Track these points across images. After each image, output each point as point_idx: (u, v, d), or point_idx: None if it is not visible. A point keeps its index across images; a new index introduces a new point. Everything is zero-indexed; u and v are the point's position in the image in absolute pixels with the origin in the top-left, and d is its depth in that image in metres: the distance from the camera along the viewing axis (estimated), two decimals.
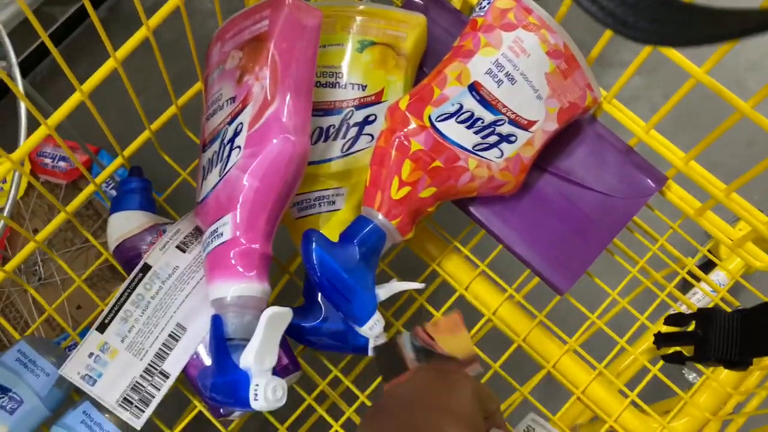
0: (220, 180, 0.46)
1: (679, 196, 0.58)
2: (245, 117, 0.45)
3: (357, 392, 0.54)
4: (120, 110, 0.74)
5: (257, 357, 0.40)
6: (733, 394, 0.55)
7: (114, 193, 0.98)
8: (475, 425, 0.37)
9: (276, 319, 0.41)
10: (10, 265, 0.52)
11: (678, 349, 0.53)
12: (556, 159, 0.56)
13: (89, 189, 0.55)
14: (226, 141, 0.46)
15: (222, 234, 0.45)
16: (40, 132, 0.43)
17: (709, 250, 0.64)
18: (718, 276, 0.94)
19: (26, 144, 0.43)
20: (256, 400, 0.39)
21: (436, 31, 0.60)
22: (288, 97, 0.45)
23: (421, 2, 0.61)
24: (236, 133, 0.45)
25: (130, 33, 0.46)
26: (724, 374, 0.56)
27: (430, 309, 0.57)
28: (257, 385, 0.40)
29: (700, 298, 0.97)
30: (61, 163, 0.98)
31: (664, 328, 0.55)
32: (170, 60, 0.48)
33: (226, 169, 0.45)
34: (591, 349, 0.58)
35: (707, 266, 1.01)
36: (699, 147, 0.53)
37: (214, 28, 0.52)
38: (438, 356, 0.50)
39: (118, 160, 0.53)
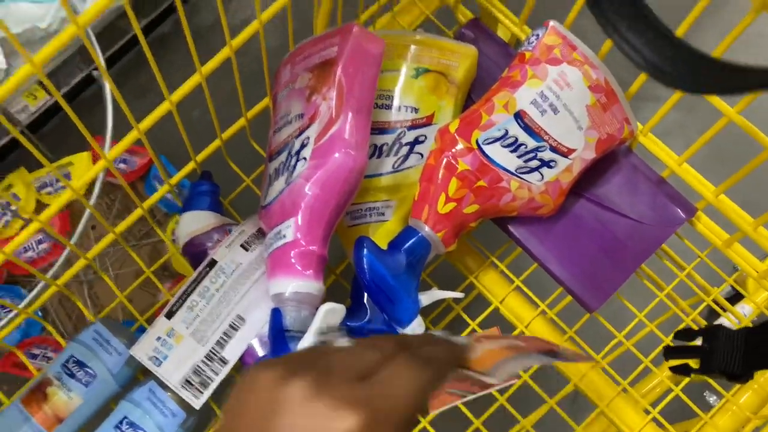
0: (286, 187, 0.50)
1: (708, 227, 0.61)
2: (312, 132, 0.50)
3: None
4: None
5: (315, 339, 0.45)
6: (752, 418, 0.58)
7: (168, 196, 1.05)
8: None
9: (331, 313, 0.45)
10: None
11: (685, 361, 0.56)
12: (592, 185, 0.60)
13: (164, 189, 0.60)
14: (293, 152, 0.51)
15: (285, 235, 0.50)
16: (132, 136, 0.49)
17: (735, 281, 0.66)
18: (744, 308, 0.96)
19: (119, 145, 0.49)
20: None
21: (484, 61, 0.64)
22: (350, 116, 0.50)
23: (472, 35, 0.66)
24: (303, 146, 0.50)
25: (203, 46, 0.51)
26: (744, 398, 0.58)
27: (466, 318, 0.61)
28: None
29: None
30: (121, 165, 1.05)
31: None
32: (229, 75, 0.53)
33: (292, 178, 0.50)
34: (617, 368, 0.62)
35: (735, 299, 1.02)
36: (729, 181, 0.56)
37: (274, 48, 0.57)
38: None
39: (191, 165, 0.58)
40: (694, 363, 0.55)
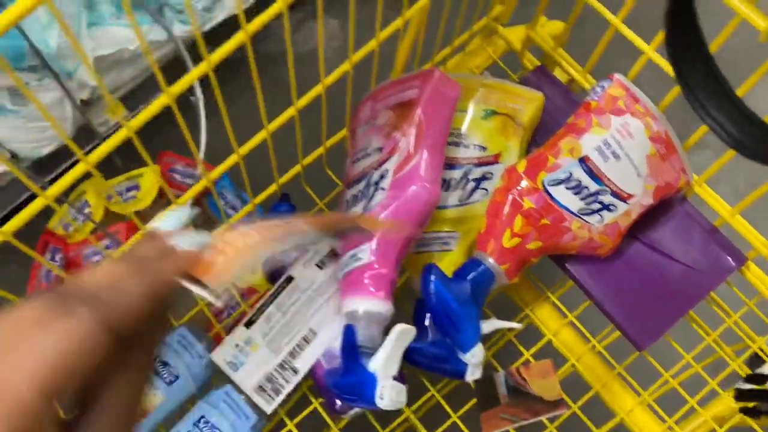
0: (364, 213, 0.55)
1: (758, 276, 0.63)
2: (391, 165, 0.55)
3: (450, 411, 0.62)
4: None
5: (385, 363, 0.48)
6: None
7: (231, 212, 1.10)
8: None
9: (404, 334, 0.49)
10: None
11: (755, 404, 0.59)
12: (647, 230, 0.63)
13: (247, 208, 0.65)
14: (372, 182, 0.55)
15: (360, 258, 0.54)
16: (231, 159, 0.53)
17: None
18: None
19: (221, 167, 0.53)
20: (382, 399, 0.47)
21: (548, 105, 0.68)
22: (427, 153, 0.54)
23: (538, 80, 0.70)
24: (382, 177, 0.55)
25: (266, 74, 0.56)
26: None
27: (521, 348, 0.64)
28: (383, 386, 0.48)
29: None
30: (188, 180, 1.11)
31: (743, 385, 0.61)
32: (280, 95, 0.57)
33: (370, 206, 0.55)
34: (664, 406, 0.64)
35: None
36: None
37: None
38: (528, 395, 0.58)
39: (273, 186, 0.63)
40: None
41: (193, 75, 0.41)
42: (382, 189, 0.54)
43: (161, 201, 1.13)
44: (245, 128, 0.55)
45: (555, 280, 0.66)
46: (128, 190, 1.11)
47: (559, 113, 0.68)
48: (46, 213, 1.20)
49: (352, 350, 0.51)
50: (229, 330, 0.58)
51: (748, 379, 0.60)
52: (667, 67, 0.61)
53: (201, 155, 0.75)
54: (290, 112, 0.54)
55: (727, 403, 0.66)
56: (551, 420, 0.61)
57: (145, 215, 1.12)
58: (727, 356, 0.64)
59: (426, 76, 0.55)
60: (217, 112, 0.47)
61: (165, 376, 0.56)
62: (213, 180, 0.53)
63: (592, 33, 0.82)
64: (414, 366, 0.61)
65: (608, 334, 0.64)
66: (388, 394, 0.47)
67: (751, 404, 0.59)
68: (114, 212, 1.12)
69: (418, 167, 0.54)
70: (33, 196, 0.43)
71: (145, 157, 0.46)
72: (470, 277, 0.56)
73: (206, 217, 1.11)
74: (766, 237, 0.62)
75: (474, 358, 0.56)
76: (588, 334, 0.64)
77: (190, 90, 0.87)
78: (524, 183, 0.57)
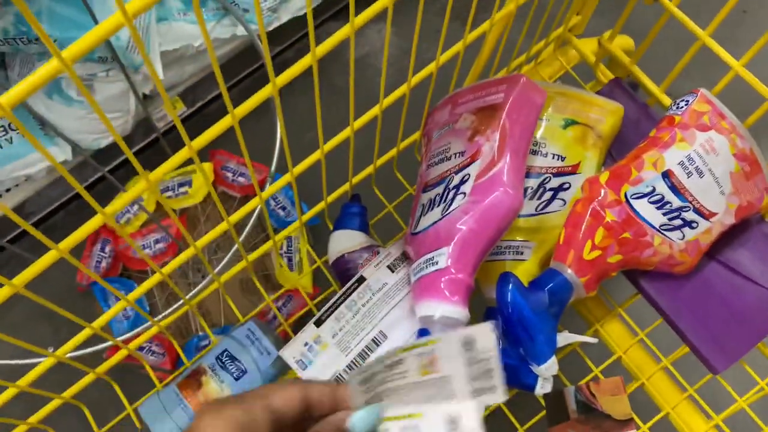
0: (441, 218, 0.54)
1: None
2: (473, 170, 0.54)
3: (516, 424, 0.60)
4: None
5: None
6: None
7: (281, 212, 1.10)
8: None
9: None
10: (201, 242, 0.57)
11: None
12: (725, 250, 0.61)
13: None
14: (451, 186, 0.55)
15: (437, 262, 0.53)
16: (285, 179, 0.53)
17: None
18: None
19: (272, 187, 0.53)
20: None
21: (623, 119, 0.67)
22: (511, 158, 0.53)
23: (613, 92, 0.69)
24: (462, 182, 0.54)
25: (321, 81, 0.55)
26: None
27: (590, 363, 0.63)
28: None
29: None
30: (240, 179, 1.11)
31: None
32: (340, 104, 0.57)
33: (449, 209, 0.54)
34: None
35: None
36: None
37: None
38: (597, 413, 0.56)
39: (346, 186, 0.62)
40: None
41: (257, 98, 0.41)
42: (463, 194, 0.53)
43: (212, 198, 1.14)
44: (297, 131, 0.54)
45: (622, 294, 0.64)
46: (180, 185, 1.12)
47: (635, 127, 0.67)
48: (104, 198, 1.21)
49: None
50: (297, 328, 0.57)
51: None
52: (756, 83, 0.60)
53: (273, 167, 0.75)
54: (346, 133, 0.53)
55: None
56: None
57: (196, 212, 1.12)
58: None
59: (512, 82, 0.55)
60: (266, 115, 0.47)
61: (232, 370, 0.55)
62: (265, 199, 0.52)
63: (660, 48, 0.81)
64: None
65: (679, 354, 0.62)
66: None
67: None
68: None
69: (502, 172, 0.53)
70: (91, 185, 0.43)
71: (196, 162, 0.45)
72: (548, 287, 0.55)
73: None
74: None
75: (547, 371, 0.54)
76: (659, 353, 0.62)
77: None
78: (607, 195, 0.56)
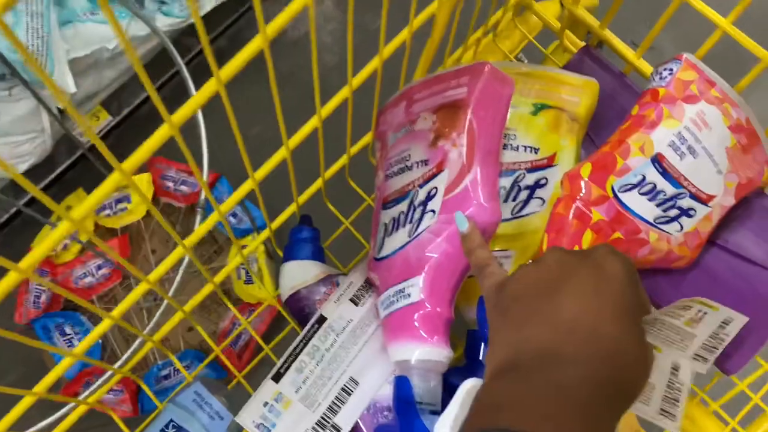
0: (409, 241, 0.46)
1: None
2: (440, 182, 0.46)
3: None
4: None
5: (454, 425, 0.40)
6: None
7: (232, 219, 1.01)
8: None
9: (474, 390, 0.41)
10: (118, 311, 0.50)
11: None
12: (725, 232, 0.55)
13: (213, 218, 0.51)
14: (417, 203, 0.47)
15: (409, 295, 0.45)
16: (246, 186, 0.44)
17: None
18: None
19: (231, 199, 0.44)
20: None
21: (599, 93, 0.59)
22: (482, 165, 0.45)
23: (584, 64, 0.61)
24: (429, 197, 0.46)
25: (261, 72, 0.46)
26: None
27: None
28: None
29: None
30: (183, 187, 1.01)
31: None
32: (288, 90, 0.48)
33: (417, 232, 0.46)
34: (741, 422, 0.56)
35: None
36: None
37: (330, 62, 0.52)
38: None
39: (293, 207, 0.54)
40: None
41: (201, 96, 0.32)
42: (431, 211, 0.45)
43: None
44: (249, 125, 0.45)
45: None
46: (118, 202, 1.01)
47: (613, 102, 0.59)
48: (29, 229, 1.10)
49: (409, 407, 0.43)
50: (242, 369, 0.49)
51: None
52: (746, 42, 0.52)
53: (205, 170, 0.66)
54: (313, 123, 0.45)
55: None
56: None
57: (139, 229, 1.02)
58: None
59: (475, 72, 0.46)
60: (213, 104, 0.37)
61: None
62: (224, 213, 0.44)
63: (631, 6, 0.73)
64: None
65: None
66: None
67: None
68: (104, 227, 1.02)
69: (475, 184, 0.45)
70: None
71: (133, 185, 0.36)
72: None
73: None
74: None
75: None
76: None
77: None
78: (591, 190, 0.49)
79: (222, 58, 1.17)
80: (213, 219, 0.44)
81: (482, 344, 0.50)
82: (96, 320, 1.01)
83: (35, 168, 0.91)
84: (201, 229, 0.44)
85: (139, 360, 0.99)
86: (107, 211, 1.01)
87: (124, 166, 0.33)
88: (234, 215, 1.00)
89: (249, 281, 0.96)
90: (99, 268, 0.98)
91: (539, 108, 0.54)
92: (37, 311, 0.96)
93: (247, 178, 0.43)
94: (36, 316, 0.96)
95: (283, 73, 1.16)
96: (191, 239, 0.44)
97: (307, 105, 0.46)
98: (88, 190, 0.99)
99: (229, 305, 0.56)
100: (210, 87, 0.33)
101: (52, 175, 0.96)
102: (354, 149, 0.56)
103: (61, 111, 0.86)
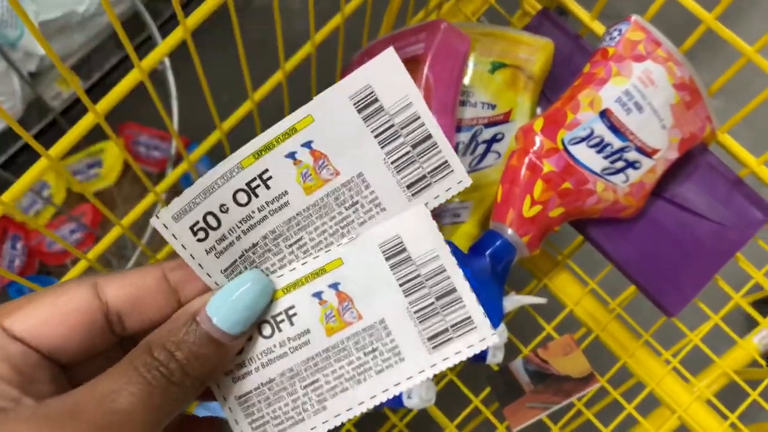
0: None
1: None
2: None
3: (471, 396, 0.57)
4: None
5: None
6: None
7: None
8: None
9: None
10: (94, 252, 0.52)
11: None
12: (671, 185, 0.58)
13: (183, 167, 0.50)
14: None
15: None
16: (214, 136, 0.46)
17: None
18: None
19: (201, 147, 0.46)
20: (410, 398, 0.42)
21: (555, 54, 0.62)
22: (439, 118, 0.48)
23: (542, 26, 0.63)
24: None
25: (225, 30, 0.47)
26: None
27: (541, 321, 0.59)
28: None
29: None
30: (155, 153, 1.02)
31: None
32: (258, 58, 0.50)
33: None
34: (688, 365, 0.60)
35: None
36: None
37: (301, 28, 0.52)
38: (554, 377, 0.53)
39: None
40: None
41: (168, 43, 0.34)
42: None
43: (127, 177, 1.05)
44: (217, 93, 0.47)
45: (567, 242, 0.61)
46: (89, 167, 1.02)
47: (568, 63, 0.62)
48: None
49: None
50: None
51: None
52: (690, 4, 0.55)
53: (175, 130, 0.67)
54: (277, 77, 0.47)
55: (743, 347, 0.64)
56: (579, 398, 0.57)
57: (111, 194, 1.03)
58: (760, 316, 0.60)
59: (431, 29, 0.48)
60: (182, 73, 0.40)
61: None
62: (194, 162, 0.46)
63: None
64: None
65: (627, 296, 0.59)
66: (417, 392, 0.42)
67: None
68: (76, 193, 1.03)
69: None
70: None
71: (109, 133, 0.38)
72: (489, 252, 0.51)
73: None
74: None
75: (498, 340, 0.51)
76: (608, 299, 0.59)
77: None
78: (543, 143, 0.52)
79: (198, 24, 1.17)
80: (182, 167, 0.46)
81: None
82: None
83: (4, 133, 0.91)
84: (172, 175, 0.46)
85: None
86: (79, 177, 1.02)
87: (98, 107, 0.35)
88: None
89: None
90: (72, 232, 1.00)
91: (497, 66, 0.57)
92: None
93: (219, 142, 0.45)
94: (10, 280, 0.97)
95: (254, 41, 1.16)
96: (162, 185, 0.46)
97: (303, 84, 0.48)
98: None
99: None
100: (177, 34, 0.35)
101: (23, 141, 0.96)
102: None
103: (32, 74, 0.86)
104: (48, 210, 1.00)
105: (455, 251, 0.49)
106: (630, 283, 0.58)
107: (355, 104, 0.23)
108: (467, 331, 0.24)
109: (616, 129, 0.53)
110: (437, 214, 0.55)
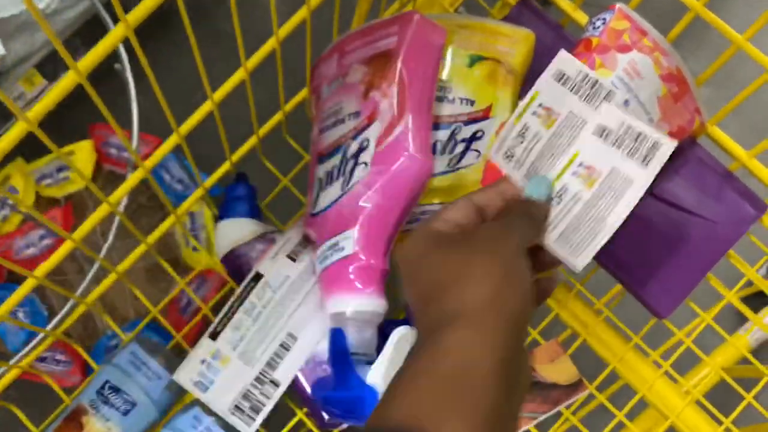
0: (343, 194, 0.46)
1: None
2: (372, 133, 0.45)
3: None
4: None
5: (386, 374, 0.40)
6: None
7: (178, 186, 0.99)
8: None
9: (405, 339, 0.41)
10: (43, 269, 0.50)
11: None
12: (660, 182, 0.56)
13: (138, 174, 0.46)
14: (349, 156, 0.46)
15: (343, 248, 0.45)
16: (172, 140, 0.43)
17: None
18: None
19: (159, 152, 0.43)
20: None
21: (536, 46, 0.59)
22: (414, 115, 0.45)
23: (523, 16, 0.61)
24: (361, 149, 0.46)
25: (199, 27, 0.44)
26: None
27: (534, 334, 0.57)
28: None
29: None
30: (125, 154, 0.99)
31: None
32: (230, 54, 0.47)
33: (350, 185, 0.45)
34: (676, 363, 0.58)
35: None
36: None
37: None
38: (541, 385, 0.51)
39: (226, 165, 0.53)
40: None
41: (106, 43, 0.31)
42: (363, 163, 0.45)
43: (98, 179, 1.01)
44: (184, 91, 0.44)
45: None
46: (59, 170, 0.98)
47: (550, 55, 0.59)
48: None
49: (344, 358, 0.43)
50: (193, 340, 0.49)
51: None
52: None
53: (134, 139, 0.64)
54: (239, 75, 0.44)
55: (734, 344, 0.62)
56: (567, 406, 0.54)
57: (82, 197, 1.00)
58: (752, 313, 0.58)
59: (404, 21, 0.46)
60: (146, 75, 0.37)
61: (118, 404, 0.47)
62: (150, 169, 0.43)
63: None
64: None
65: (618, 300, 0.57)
66: None
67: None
68: (46, 197, 0.99)
69: (405, 134, 0.44)
70: None
71: (48, 142, 0.35)
72: None
73: (153, 193, 0.99)
74: None
75: None
76: (594, 299, 0.57)
77: (114, 56, 0.75)
78: None
79: (169, 23, 1.14)
80: (138, 175, 0.43)
81: None
82: (41, 292, 0.98)
83: None
84: (127, 184, 0.43)
85: (88, 327, 0.97)
86: (48, 180, 0.98)
87: (29, 115, 0.32)
88: (181, 182, 0.98)
89: (197, 248, 0.95)
90: (42, 238, 0.96)
91: (475, 60, 0.54)
92: None
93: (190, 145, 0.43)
94: None
95: (230, 34, 1.13)
96: (116, 195, 0.43)
97: (254, 73, 0.45)
98: (28, 159, 0.96)
99: (164, 264, 0.55)
100: (118, 31, 0.32)
101: None
102: (290, 105, 0.55)
103: None
104: (16, 216, 0.96)
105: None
106: (616, 281, 0.56)
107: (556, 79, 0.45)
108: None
109: None
110: (415, 219, 0.53)
